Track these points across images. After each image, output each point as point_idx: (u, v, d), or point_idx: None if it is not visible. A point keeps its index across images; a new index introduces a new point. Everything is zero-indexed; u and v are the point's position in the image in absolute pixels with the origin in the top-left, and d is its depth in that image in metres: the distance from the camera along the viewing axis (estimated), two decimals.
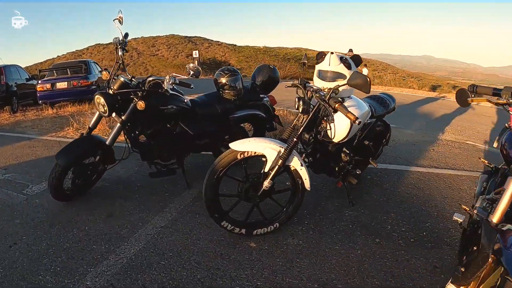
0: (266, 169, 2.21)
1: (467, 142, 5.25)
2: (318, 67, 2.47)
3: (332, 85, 2.28)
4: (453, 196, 3.14)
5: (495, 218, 1.42)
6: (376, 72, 23.92)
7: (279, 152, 2.16)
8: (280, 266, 2.14)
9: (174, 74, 2.82)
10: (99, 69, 10.27)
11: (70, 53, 32.86)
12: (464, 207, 1.99)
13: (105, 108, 2.73)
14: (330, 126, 2.32)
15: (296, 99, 2.22)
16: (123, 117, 2.80)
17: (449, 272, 2.05)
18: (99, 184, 3.26)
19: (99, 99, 2.73)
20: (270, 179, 2.20)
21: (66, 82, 8.84)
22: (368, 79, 1.96)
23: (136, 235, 2.49)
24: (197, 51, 17.33)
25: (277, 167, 2.17)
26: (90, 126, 3.02)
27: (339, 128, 2.36)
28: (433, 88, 17.47)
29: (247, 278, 2.03)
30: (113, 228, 2.59)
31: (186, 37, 34.15)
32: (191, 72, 2.81)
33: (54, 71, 9.36)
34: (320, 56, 2.47)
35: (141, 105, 2.70)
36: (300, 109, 2.17)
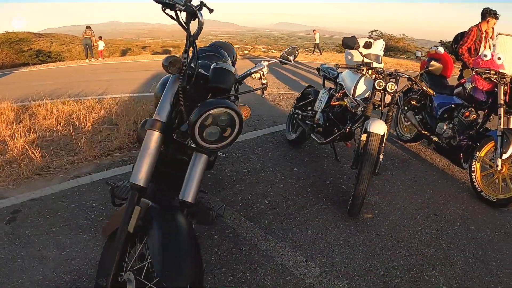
0: None
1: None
2: (369, 51, 2.74)
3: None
4: None
5: None
6: (64, 46, 22.94)
7: None
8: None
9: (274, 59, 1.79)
10: None
11: None
12: None
13: (233, 134, 1.32)
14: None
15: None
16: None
17: None
18: None
19: (229, 112, 1.27)
20: None
21: None
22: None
23: None
24: None
25: None
26: (142, 184, 1.28)
27: None
28: (124, 52, 18.45)
29: None
30: None
31: None
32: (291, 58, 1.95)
33: None
34: (354, 41, 2.66)
35: (247, 112, 1.52)
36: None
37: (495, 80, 2.71)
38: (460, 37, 4.41)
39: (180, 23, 1.31)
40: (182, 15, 1.31)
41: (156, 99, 1.57)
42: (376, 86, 2.48)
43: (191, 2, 1.27)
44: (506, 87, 2.68)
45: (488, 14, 4.14)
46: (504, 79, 2.69)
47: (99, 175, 2.81)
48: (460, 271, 1.97)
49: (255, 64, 1.68)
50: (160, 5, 1.29)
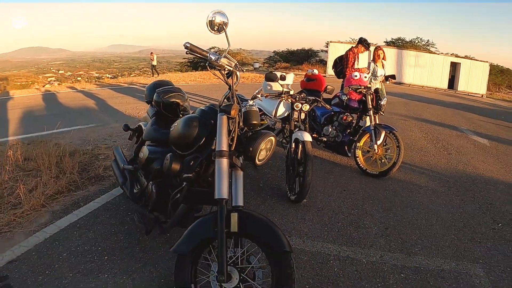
0: None
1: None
2: (285, 82, 3.58)
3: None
4: None
5: None
6: None
7: None
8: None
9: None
10: None
11: None
12: None
13: (269, 153, 1.99)
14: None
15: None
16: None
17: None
18: None
19: (272, 139, 1.98)
20: None
21: None
22: None
23: None
24: None
25: None
26: (226, 197, 1.67)
27: None
28: None
29: None
30: None
31: None
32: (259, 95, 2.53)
33: None
34: (276, 75, 3.48)
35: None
36: None
37: (364, 92, 3.97)
38: (339, 61, 5.59)
39: (225, 81, 1.89)
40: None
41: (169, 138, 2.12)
42: (295, 108, 3.32)
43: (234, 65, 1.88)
44: (372, 96, 3.96)
45: (360, 43, 5.35)
46: (370, 91, 3.97)
47: (63, 222, 2.61)
48: (380, 217, 2.96)
49: (243, 103, 2.26)
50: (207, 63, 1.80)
